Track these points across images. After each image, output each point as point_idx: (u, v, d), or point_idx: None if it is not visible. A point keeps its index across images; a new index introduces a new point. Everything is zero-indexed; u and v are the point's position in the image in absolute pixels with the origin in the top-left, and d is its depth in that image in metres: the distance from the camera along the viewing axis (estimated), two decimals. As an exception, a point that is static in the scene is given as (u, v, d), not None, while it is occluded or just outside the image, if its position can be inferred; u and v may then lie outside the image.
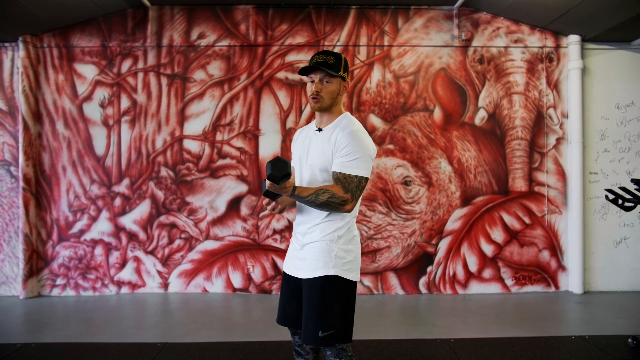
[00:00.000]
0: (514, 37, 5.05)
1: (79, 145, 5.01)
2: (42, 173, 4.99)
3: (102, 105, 5.03)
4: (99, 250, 5.00)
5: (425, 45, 5.05)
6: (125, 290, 5.00)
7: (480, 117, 5.05)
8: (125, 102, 5.03)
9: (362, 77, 5.04)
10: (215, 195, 5.01)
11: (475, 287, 5.00)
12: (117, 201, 5.00)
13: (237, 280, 5.00)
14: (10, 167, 5.00)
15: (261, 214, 4.99)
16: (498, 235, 5.02)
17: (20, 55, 4.87)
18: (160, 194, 5.01)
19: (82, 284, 4.99)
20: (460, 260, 5.01)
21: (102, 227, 5.00)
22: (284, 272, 2.23)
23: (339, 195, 1.93)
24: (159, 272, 5.01)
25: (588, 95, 5.05)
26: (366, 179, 2.01)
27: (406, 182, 5.02)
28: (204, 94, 5.03)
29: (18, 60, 4.92)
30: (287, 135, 5.00)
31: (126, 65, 5.03)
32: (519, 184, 5.04)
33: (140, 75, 5.04)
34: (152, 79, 5.04)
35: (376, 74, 5.04)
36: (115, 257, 5.00)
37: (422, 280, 5.00)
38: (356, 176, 1.97)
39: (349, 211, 1.99)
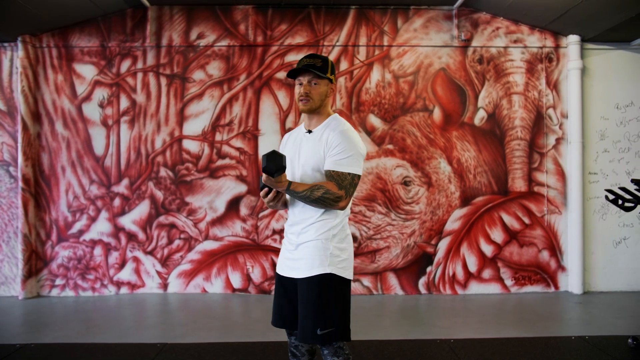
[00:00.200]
0: (514, 37, 5.05)
1: (78, 145, 5.01)
2: (41, 173, 4.98)
3: (102, 106, 5.02)
4: (98, 251, 4.99)
5: (424, 46, 5.05)
6: (124, 290, 4.99)
7: (480, 117, 5.05)
8: (124, 102, 5.02)
9: (361, 77, 5.04)
10: (215, 195, 5.00)
11: (474, 288, 4.99)
12: (117, 201, 5.00)
13: (236, 280, 4.99)
14: (9, 168, 4.99)
15: (260, 214, 4.99)
16: (498, 235, 5.01)
17: (20, 55, 4.86)
18: (159, 194, 5.00)
19: (81, 284, 4.98)
20: (460, 260, 5.01)
21: (102, 228, 4.99)
22: (277, 274, 2.23)
23: (333, 192, 1.96)
24: (159, 273, 5.00)
25: (588, 95, 5.04)
26: (359, 177, 2.05)
27: (406, 183, 5.02)
28: (204, 94, 5.03)
29: (17, 61, 4.92)
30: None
31: (125, 65, 5.03)
32: (518, 184, 5.04)
33: (140, 76, 5.03)
34: (152, 79, 5.03)
35: (375, 74, 5.04)
36: (114, 257, 5.00)
37: (422, 281, 5.00)
38: (349, 173, 2.00)
39: (342, 208, 2.02)
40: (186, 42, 5.03)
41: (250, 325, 3.99)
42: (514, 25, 5.05)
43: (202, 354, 3.33)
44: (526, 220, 5.03)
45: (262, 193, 2.07)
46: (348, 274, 2.08)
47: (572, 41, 4.97)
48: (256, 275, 4.99)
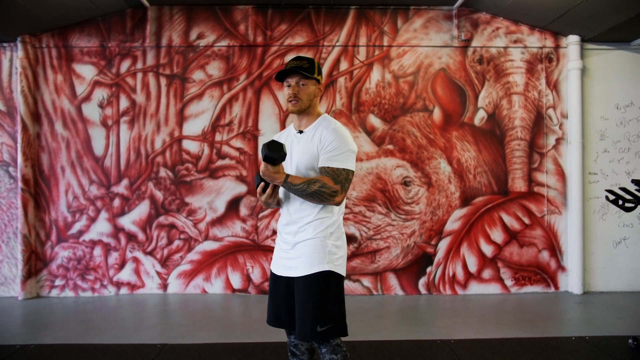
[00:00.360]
0: (514, 37, 5.05)
1: (78, 145, 5.00)
2: (40, 174, 4.97)
3: (101, 106, 5.01)
4: (97, 251, 4.99)
5: (424, 46, 5.05)
6: (124, 291, 4.99)
7: (480, 118, 5.04)
8: (124, 103, 5.02)
9: (361, 78, 5.04)
10: (215, 195, 5.00)
11: (474, 288, 4.99)
12: (116, 202, 4.99)
13: (236, 280, 4.99)
14: (8, 168, 4.98)
15: (260, 215, 4.98)
16: (498, 235, 5.01)
17: (19, 55, 4.86)
18: (159, 195, 5.00)
19: (81, 284, 4.97)
20: (460, 260, 5.01)
21: (101, 228, 4.98)
22: (273, 274, 2.24)
23: (329, 186, 1.99)
24: (158, 273, 4.99)
25: (587, 95, 5.04)
26: (353, 173, 2.09)
27: (406, 183, 5.01)
28: (203, 94, 5.02)
29: (17, 61, 4.91)
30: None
31: (125, 65, 5.02)
32: (518, 184, 5.03)
33: (139, 76, 5.03)
34: (151, 79, 5.03)
35: (375, 74, 5.04)
36: (114, 257, 4.99)
37: (422, 281, 5.00)
38: (344, 169, 2.04)
39: (338, 203, 2.05)
40: (186, 42, 5.02)
41: (250, 325, 3.99)
42: (514, 25, 5.05)
43: (202, 355, 3.33)
44: (526, 220, 5.02)
45: (259, 189, 2.08)
46: (343, 271, 2.13)
47: (572, 41, 4.97)
48: (256, 275, 4.99)
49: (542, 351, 3.37)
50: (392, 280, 4.99)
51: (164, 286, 4.99)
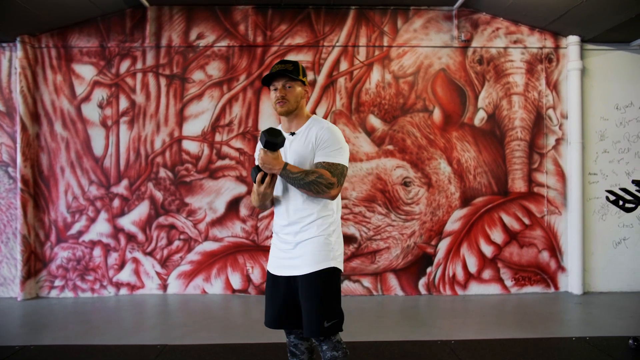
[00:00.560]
0: (514, 37, 5.05)
1: (78, 146, 4.99)
2: (40, 174, 4.96)
3: (101, 106, 5.01)
4: (97, 252, 4.98)
5: (424, 46, 5.05)
6: (124, 291, 4.98)
7: (480, 118, 5.04)
8: (123, 103, 5.01)
9: (361, 78, 5.03)
10: (215, 196, 4.99)
11: (474, 288, 4.99)
12: (116, 202, 4.98)
13: (236, 281, 4.98)
14: (8, 168, 4.97)
15: (260, 215, 4.98)
16: (498, 236, 5.01)
17: (18, 55, 4.85)
18: (159, 195, 4.99)
19: (80, 285, 4.96)
20: (460, 261, 5.01)
21: (101, 228, 4.97)
22: (271, 275, 2.24)
23: (326, 177, 2.03)
24: (158, 274, 4.99)
25: (587, 96, 5.05)
26: (347, 168, 2.16)
27: (406, 183, 5.01)
28: (203, 94, 5.02)
29: (16, 61, 4.90)
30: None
31: (125, 65, 5.01)
32: (518, 184, 5.04)
33: (139, 76, 5.02)
34: (151, 80, 5.02)
35: (375, 75, 5.04)
36: (113, 258, 4.98)
37: (422, 281, 4.99)
38: (339, 164, 2.10)
39: (333, 197, 2.07)
40: (186, 43, 5.01)
41: (250, 326, 3.98)
42: (514, 25, 5.05)
43: (203, 355, 3.32)
44: (526, 220, 5.02)
45: (258, 177, 2.08)
46: (342, 267, 2.20)
47: (571, 42, 4.97)
48: (256, 276, 4.98)
49: (543, 352, 3.37)
50: (392, 280, 4.99)
51: (164, 287, 4.98)
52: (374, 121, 5.02)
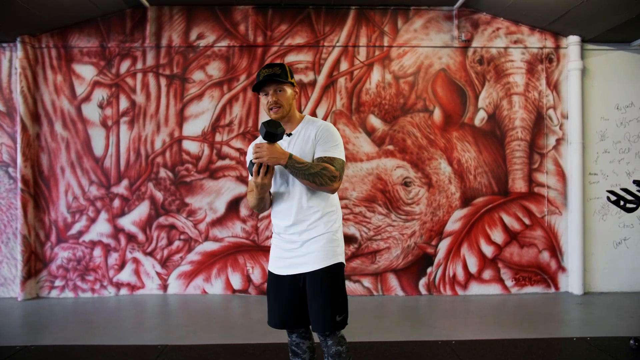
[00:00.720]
0: (514, 37, 5.05)
1: (78, 146, 4.99)
2: (40, 174, 4.96)
3: (101, 106, 5.00)
4: (97, 252, 4.97)
5: (425, 46, 5.05)
6: (124, 291, 4.98)
7: (480, 118, 5.04)
8: (124, 103, 5.01)
9: (361, 78, 5.03)
10: (215, 196, 4.99)
11: (475, 288, 4.99)
12: (116, 202, 4.98)
13: (236, 281, 4.98)
14: (8, 169, 4.97)
15: (260, 215, 4.98)
16: (498, 236, 5.01)
17: (19, 55, 4.84)
18: (159, 195, 4.99)
19: (80, 285, 4.96)
20: (460, 261, 5.01)
21: (101, 229, 4.97)
22: (274, 275, 2.25)
23: (330, 170, 2.08)
24: (158, 274, 4.98)
25: (588, 96, 5.04)
26: (345, 162, 2.24)
27: (406, 183, 5.01)
28: (203, 94, 5.01)
29: (16, 61, 4.90)
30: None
31: (125, 65, 5.01)
32: (518, 184, 5.03)
33: (139, 76, 5.02)
34: (151, 80, 5.02)
35: (376, 75, 5.03)
36: (114, 258, 4.98)
37: (422, 282, 4.99)
38: (340, 158, 2.16)
39: (334, 190, 2.12)
40: (186, 43, 5.01)
41: (251, 326, 3.98)
42: (514, 25, 5.05)
43: (203, 356, 3.32)
44: (526, 220, 5.02)
45: (255, 168, 2.04)
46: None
47: (572, 42, 4.97)
48: (256, 276, 4.98)
49: (544, 352, 3.36)
50: (393, 280, 4.98)
51: (164, 287, 4.98)
52: (374, 121, 5.02)
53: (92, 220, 4.97)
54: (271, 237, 2.39)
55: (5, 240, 4.98)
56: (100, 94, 5.00)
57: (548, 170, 5.05)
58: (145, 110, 5.01)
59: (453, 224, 5.01)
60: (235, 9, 5.02)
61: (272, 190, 2.26)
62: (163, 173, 4.99)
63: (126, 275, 4.98)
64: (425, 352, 3.38)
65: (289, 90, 2.19)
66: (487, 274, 5.00)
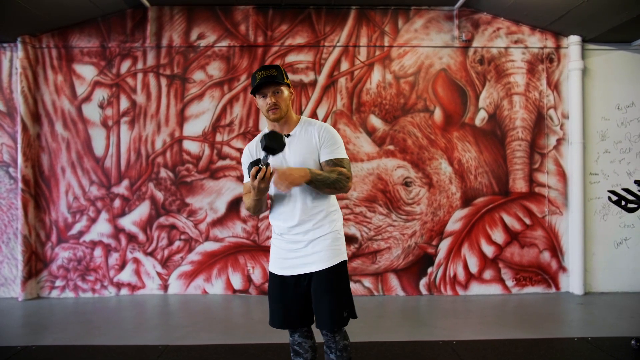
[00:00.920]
0: (515, 37, 5.05)
1: (78, 146, 4.99)
2: (41, 174, 4.96)
3: (101, 106, 5.00)
4: (98, 252, 4.97)
5: (425, 46, 5.04)
6: (124, 291, 4.98)
7: (481, 118, 5.04)
8: (124, 103, 5.01)
9: (362, 78, 5.03)
10: (215, 196, 4.99)
11: (475, 288, 4.99)
12: (117, 202, 4.98)
13: (237, 281, 4.98)
14: (8, 169, 4.97)
15: (261, 215, 4.97)
16: (498, 236, 5.01)
17: (19, 55, 4.84)
18: (159, 195, 4.98)
19: (81, 285, 4.96)
20: (461, 261, 5.00)
21: (102, 229, 4.97)
22: (277, 276, 2.25)
23: (345, 173, 2.16)
24: (159, 274, 4.98)
25: (588, 96, 5.04)
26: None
27: (406, 183, 5.01)
28: (204, 94, 5.01)
29: (17, 61, 4.90)
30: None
31: (125, 65, 5.01)
32: (519, 184, 5.03)
33: (140, 76, 5.01)
34: (152, 80, 5.01)
35: (376, 75, 5.03)
36: (114, 258, 4.98)
37: (423, 282, 4.99)
38: (346, 158, 2.24)
39: (349, 189, 2.20)
40: (186, 43, 5.01)
41: (252, 326, 3.98)
42: (515, 25, 5.05)
43: (204, 356, 3.32)
44: (527, 220, 5.02)
45: (253, 171, 1.98)
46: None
47: (573, 42, 4.96)
48: (257, 276, 4.98)
49: (545, 352, 3.36)
50: (393, 280, 4.98)
51: (165, 287, 4.98)
52: (375, 121, 5.02)
53: (93, 221, 4.97)
54: (271, 237, 2.38)
55: (5, 241, 4.98)
56: (100, 94, 5.00)
57: (549, 170, 5.04)
58: (146, 110, 5.01)
59: (454, 224, 5.01)
60: (236, 9, 5.02)
61: (271, 192, 2.26)
62: (163, 173, 4.99)
63: (127, 275, 4.98)
64: (426, 352, 3.38)
65: (286, 92, 2.21)
66: (488, 274, 5.00)
